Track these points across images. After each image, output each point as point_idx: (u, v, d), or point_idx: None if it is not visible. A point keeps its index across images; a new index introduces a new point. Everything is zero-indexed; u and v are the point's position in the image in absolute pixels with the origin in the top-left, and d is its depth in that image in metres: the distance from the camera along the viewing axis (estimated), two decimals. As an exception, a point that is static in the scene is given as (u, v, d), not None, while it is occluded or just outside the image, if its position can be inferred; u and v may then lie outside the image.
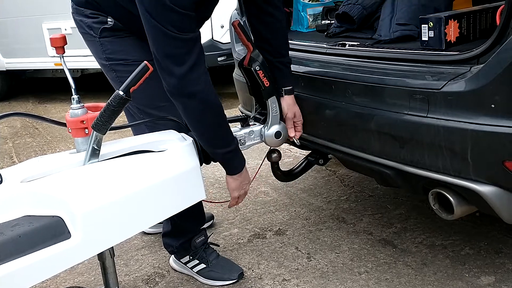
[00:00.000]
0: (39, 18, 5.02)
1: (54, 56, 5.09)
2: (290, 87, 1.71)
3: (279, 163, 1.88)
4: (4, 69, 5.44)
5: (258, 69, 1.61)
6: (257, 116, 1.75)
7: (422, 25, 1.53)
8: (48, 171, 1.41)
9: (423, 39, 1.53)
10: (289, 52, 2.02)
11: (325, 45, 1.86)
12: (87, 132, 1.48)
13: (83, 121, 1.47)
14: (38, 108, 5.19)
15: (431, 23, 1.51)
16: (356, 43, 1.79)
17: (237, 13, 2.43)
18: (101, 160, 1.44)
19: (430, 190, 1.44)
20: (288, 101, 1.70)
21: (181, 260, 1.89)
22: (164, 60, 1.44)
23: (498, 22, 1.37)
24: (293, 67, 1.89)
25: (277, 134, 1.67)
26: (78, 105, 1.48)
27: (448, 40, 1.49)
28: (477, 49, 1.33)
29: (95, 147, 1.42)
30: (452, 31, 1.50)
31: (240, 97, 2.27)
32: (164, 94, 1.52)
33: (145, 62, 1.43)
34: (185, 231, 1.84)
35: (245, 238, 2.12)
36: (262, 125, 1.69)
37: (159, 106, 1.67)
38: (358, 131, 1.58)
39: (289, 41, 2.09)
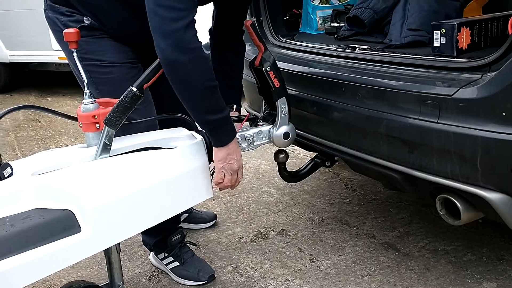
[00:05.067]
0: (43, 11, 5.01)
1: (58, 50, 5.10)
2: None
3: (286, 165, 1.88)
4: (7, 61, 5.43)
5: (269, 69, 1.62)
6: (266, 116, 1.76)
7: (434, 31, 1.54)
8: (59, 165, 1.41)
9: (434, 45, 1.55)
10: (299, 53, 2.04)
11: (334, 48, 1.87)
12: (98, 127, 1.48)
13: (95, 116, 1.48)
14: (40, 102, 5.18)
15: (443, 29, 1.52)
16: (366, 47, 1.80)
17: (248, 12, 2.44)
18: (112, 156, 1.45)
19: (438, 196, 1.45)
20: None
21: (158, 256, 1.92)
22: (163, 12, 1.36)
23: (510, 31, 1.39)
24: (302, 68, 1.91)
25: (286, 135, 1.68)
26: (90, 100, 1.48)
27: (460, 47, 1.50)
28: (490, 57, 1.34)
29: (107, 142, 1.43)
30: (464, 38, 1.51)
31: (248, 97, 2.28)
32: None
33: (159, 59, 1.44)
34: (161, 229, 1.78)
35: (248, 237, 2.13)
36: (271, 126, 1.69)
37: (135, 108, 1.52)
38: (367, 134, 1.59)
39: (298, 43, 2.13)
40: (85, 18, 1.66)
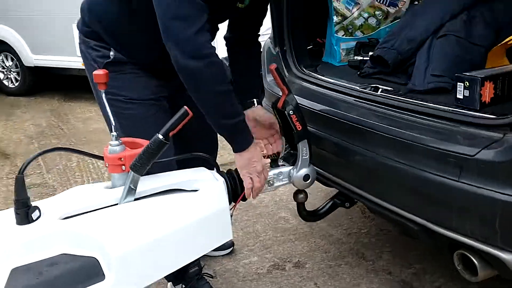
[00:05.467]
0: (70, 18, 5.10)
1: (82, 56, 5.19)
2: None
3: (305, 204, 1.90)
4: (32, 65, 5.54)
5: (291, 113, 1.64)
6: (287, 156, 1.78)
7: (458, 83, 1.54)
8: (86, 207, 1.46)
9: (458, 96, 1.55)
10: (321, 89, 2.05)
11: (357, 87, 1.88)
12: (123, 169, 1.53)
13: (121, 158, 1.52)
14: (63, 106, 5.28)
15: (467, 82, 1.52)
16: (389, 89, 1.81)
17: (270, 41, 2.46)
18: (137, 198, 1.49)
19: (456, 251, 1.46)
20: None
21: (175, 287, 1.95)
22: (172, 23, 1.41)
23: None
24: (324, 108, 1.92)
25: (306, 177, 1.70)
26: (117, 142, 1.52)
27: (483, 101, 1.51)
28: (511, 117, 1.35)
29: (132, 187, 1.47)
30: (487, 92, 1.51)
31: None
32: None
33: (185, 107, 1.47)
34: None
35: (264, 268, 2.16)
36: (291, 167, 1.71)
37: None
38: (386, 183, 1.60)
39: (321, 77, 2.14)
40: (111, 52, 1.71)
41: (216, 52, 1.45)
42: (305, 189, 1.82)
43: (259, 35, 1.89)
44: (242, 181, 1.63)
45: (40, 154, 1.50)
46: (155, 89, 1.78)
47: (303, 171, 1.70)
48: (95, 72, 1.55)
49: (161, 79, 1.79)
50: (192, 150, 1.65)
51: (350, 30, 2.30)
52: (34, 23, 5.37)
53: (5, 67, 5.82)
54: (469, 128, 1.44)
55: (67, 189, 3.07)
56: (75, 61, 5.20)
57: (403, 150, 1.53)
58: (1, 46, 5.68)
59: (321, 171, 1.87)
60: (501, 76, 1.54)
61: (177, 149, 1.78)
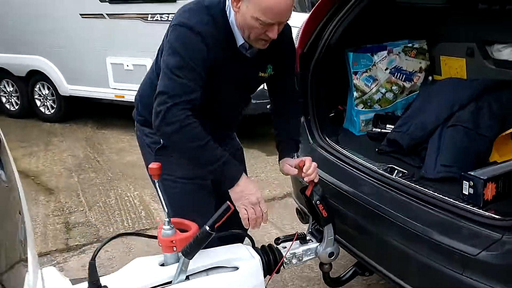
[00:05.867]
0: (104, 52, 5.44)
1: (115, 88, 5.53)
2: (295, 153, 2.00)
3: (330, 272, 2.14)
4: (68, 94, 5.90)
5: (318, 203, 1.89)
6: (314, 231, 2.03)
7: (464, 181, 1.78)
8: (145, 285, 1.73)
9: (463, 192, 1.78)
10: (341, 163, 2.29)
11: (375, 168, 2.11)
12: (175, 250, 1.80)
13: (173, 241, 1.79)
14: (97, 135, 5.61)
15: (471, 182, 1.76)
16: (404, 171, 2.05)
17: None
18: (188, 275, 1.76)
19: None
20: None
21: None
22: (159, 95, 1.70)
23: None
24: (342, 184, 2.15)
25: (331, 254, 1.95)
26: (169, 226, 1.79)
27: (485, 199, 1.74)
28: (509, 220, 1.58)
29: (183, 268, 1.74)
30: (489, 192, 1.74)
31: (294, 190, 2.55)
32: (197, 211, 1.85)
33: (228, 202, 1.74)
34: None
35: (291, 319, 2.41)
36: (318, 244, 1.96)
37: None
38: (397, 262, 1.84)
39: (342, 150, 2.37)
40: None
41: (182, 112, 1.69)
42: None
43: (295, 89, 2.14)
44: (276, 255, 1.89)
45: (107, 242, 1.78)
46: (199, 171, 2.04)
47: (329, 249, 1.95)
48: (150, 166, 1.82)
49: None
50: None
51: (369, 104, 2.55)
52: (70, 56, 5.72)
53: (41, 95, 6.18)
54: (472, 225, 1.67)
55: (109, 229, 3.37)
56: (108, 92, 5.55)
57: (412, 238, 1.76)
58: (39, 76, 6.04)
59: (343, 240, 2.11)
60: (502, 176, 1.77)
61: (217, 199, 1.99)
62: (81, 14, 5.47)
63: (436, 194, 1.85)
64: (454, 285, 1.63)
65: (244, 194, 1.76)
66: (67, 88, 5.85)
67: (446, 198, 1.81)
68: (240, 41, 1.80)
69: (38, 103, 6.23)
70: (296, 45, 2.44)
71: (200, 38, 1.72)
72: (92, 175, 4.42)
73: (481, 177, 1.74)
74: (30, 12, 5.83)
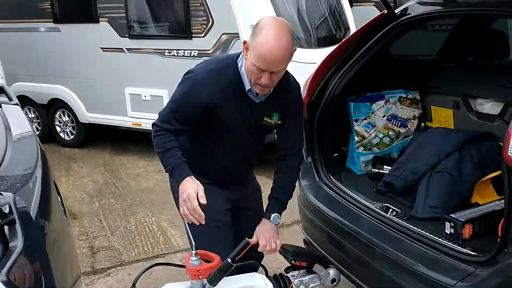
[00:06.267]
0: (122, 82, 5.83)
1: (132, 117, 5.90)
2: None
3: None
4: (87, 122, 6.27)
5: (293, 262, 2.18)
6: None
7: (446, 222, 2.11)
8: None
9: (446, 231, 2.11)
10: (343, 200, 2.61)
11: (372, 206, 2.43)
12: (200, 278, 2.12)
13: (199, 270, 2.12)
14: (114, 160, 5.95)
15: (452, 223, 2.08)
16: (397, 210, 2.37)
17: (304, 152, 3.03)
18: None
19: None
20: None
21: None
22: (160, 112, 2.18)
23: (499, 233, 1.94)
24: (343, 220, 2.46)
25: (333, 281, 2.25)
26: (196, 257, 2.11)
27: (463, 237, 2.06)
28: (483, 257, 1.90)
29: (209, 295, 2.06)
30: (467, 231, 2.07)
31: (302, 220, 2.88)
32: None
33: (246, 239, 2.07)
34: None
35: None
36: (322, 272, 2.28)
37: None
38: (384, 285, 2.15)
39: (344, 189, 2.70)
40: None
41: (163, 131, 2.12)
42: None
43: (297, 154, 2.36)
44: (286, 282, 2.21)
45: (146, 270, 2.11)
46: (221, 204, 2.36)
47: (331, 276, 2.27)
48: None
49: (226, 191, 2.36)
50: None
51: (368, 147, 2.89)
52: (90, 85, 6.10)
53: (61, 121, 6.56)
54: (452, 260, 1.99)
55: (131, 253, 3.68)
56: (125, 120, 5.92)
57: (402, 270, 2.08)
58: (59, 104, 6.42)
59: (344, 269, 2.43)
60: (478, 219, 2.09)
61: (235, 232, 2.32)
62: (101, 48, 5.88)
63: (423, 232, 2.17)
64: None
65: (181, 192, 2.04)
66: (86, 116, 6.21)
67: (432, 236, 2.14)
68: (247, 86, 2.12)
69: (58, 129, 6.60)
70: (304, 95, 2.81)
71: (196, 91, 2.09)
72: (112, 200, 4.76)
73: (460, 219, 2.07)
74: (53, 44, 6.25)
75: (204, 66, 2.19)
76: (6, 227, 1.14)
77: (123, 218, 4.35)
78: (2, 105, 2.20)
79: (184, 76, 2.19)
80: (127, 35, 5.66)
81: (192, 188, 2.03)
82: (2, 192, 1.17)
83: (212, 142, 2.26)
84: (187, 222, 2.18)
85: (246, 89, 2.13)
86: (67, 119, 6.51)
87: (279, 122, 2.25)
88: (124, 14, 5.61)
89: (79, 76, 6.14)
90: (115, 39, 5.75)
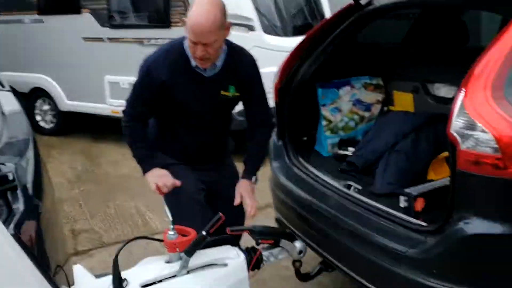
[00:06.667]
0: (102, 71, 5.92)
1: (111, 105, 6.00)
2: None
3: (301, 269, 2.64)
4: (67, 110, 6.35)
5: (260, 241, 2.35)
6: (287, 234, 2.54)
7: (400, 196, 2.31)
8: (155, 277, 2.21)
9: (400, 205, 2.32)
10: (310, 180, 2.80)
11: (336, 184, 2.62)
12: (177, 250, 2.29)
13: (175, 243, 2.28)
14: (93, 148, 6.06)
15: (405, 197, 2.29)
16: (358, 187, 2.57)
17: (275, 135, 3.21)
18: (190, 270, 2.24)
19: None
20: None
21: None
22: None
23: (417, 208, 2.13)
24: (309, 197, 2.65)
25: (300, 252, 2.43)
26: (173, 232, 2.28)
27: (416, 210, 2.27)
28: (431, 227, 2.10)
29: (185, 265, 2.23)
30: (419, 204, 2.27)
31: (274, 201, 3.06)
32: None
33: (220, 214, 2.24)
34: None
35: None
36: (289, 246, 2.47)
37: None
38: (350, 259, 2.35)
39: (311, 169, 2.88)
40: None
41: (130, 122, 2.37)
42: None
43: (265, 117, 2.53)
44: (257, 254, 2.39)
45: (127, 243, 2.26)
46: (194, 182, 2.53)
47: (297, 248, 2.46)
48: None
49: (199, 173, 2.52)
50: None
51: (334, 130, 3.08)
52: (70, 73, 6.18)
53: (42, 110, 6.62)
54: (405, 230, 2.19)
55: (112, 235, 3.83)
56: (104, 108, 6.03)
57: (361, 240, 2.27)
58: (40, 92, 6.49)
59: (310, 242, 2.62)
60: (429, 193, 2.30)
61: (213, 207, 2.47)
62: (83, 38, 5.95)
63: (380, 206, 2.37)
64: (391, 277, 2.15)
65: (148, 178, 2.39)
66: (66, 104, 6.30)
67: (388, 209, 2.34)
68: (193, 62, 2.30)
69: (39, 118, 6.66)
70: (276, 81, 2.99)
71: (149, 73, 2.28)
72: (91, 186, 4.88)
73: (413, 193, 2.27)
74: (37, 34, 6.30)
75: (155, 50, 2.39)
76: (8, 192, 1.29)
77: (102, 203, 4.48)
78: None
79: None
80: (108, 25, 5.75)
81: (152, 180, 2.34)
82: (4, 163, 1.32)
83: (178, 124, 2.43)
84: (165, 198, 2.36)
85: (193, 65, 2.29)
86: (47, 107, 6.56)
87: (237, 94, 2.39)
88: (106, 5, 5.70)
89: (61, 66, 6.23)
90: (97, 29, 5.83)
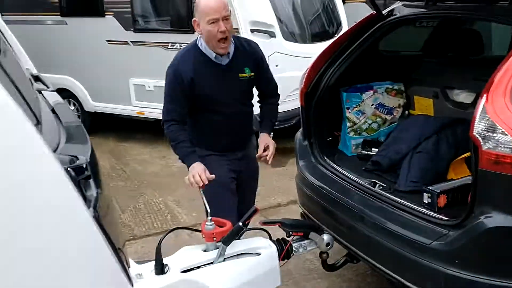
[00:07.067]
0: (127, 74, 6.14)
1: (136, 106, 6.22)
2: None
3: (327, 260, 2.81)
4: (92, 111, 6.57)
5: (291, 233, 2.53)
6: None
7: (424, 193, 2.48)
8: (194, 264, 2.40)
9: (424, 201, 2.49)
10: (336, 177, 2.97)
11: (362, 182, 2.80)
12: (214, 240, 2.48)
13: (213, 233, 2.47)
14: (118, 148, 6.27)
15: (429, 194, 2.46)
16: (384, 185, 2.74)
17: (300, 136, 3.40)
18: (226, 258, 2.43)
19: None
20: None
21: None
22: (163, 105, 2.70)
23: (469, 201, 2.31)
24: (336, 193, 2.83)
25: (327, 244, 2.61)
26: (211, 223, 2.47)
27: (439, 206, 2.44)
28: (454, 221, 2.27)
29: (222, 253, 2.42)
30: (442, 200, 2.44)
31: (299, 197, 3.24)
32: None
33: (255, 206, 2.43)
34: None
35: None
36: (318, 238, 2.65)
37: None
38: (377, 252, 2.53)
39: (337, 167, 3.05)
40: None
41: (171, 126, 2.64)
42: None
43: (273, 87, 2.91)
44: (288, 245, 2.57)
45: (168, 233, 2.46)
46: (227, 172, 2.75)
47: (325, 240, 2.63)
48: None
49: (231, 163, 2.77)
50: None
51: (358, 131, 3.25)
52: (95, 75, 6.40)
53: (68, 110, 6.86)
54: (429, 224, 2.36)
55: (142, 229, 4.02)
56: (129, 109, 6.24)
57: (387, 234, 2.45)
58: (66, 93, 6.69)
59: (336, 236, 2.80)
60: (451, 190, 2.47)
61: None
62: (107, 41, 6.18)
63: (405, 202, 2.55)
64: (414, 264, 2.32)
65: (190, 170, 2.63)
66: (92, 105, 6.53)
67: (412, 205, 2.51)
68: (212, 55, 2.63)
69: (64, 117, 6.89)
70: (301, 86, 3.17)
71: (178, 75, 2.57)
72: (121, 183, 5.09)
73: (436, 190, 2.44)
74: (59, 36, 6.54)
75: (175, 56, 2.71)
76: (81, 181, 1.49)
77: (132, 198, 4.69)
78: (42, 91, 2.54)
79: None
80: (132, 29, 5.97)
81: (195, 172, 2.57)
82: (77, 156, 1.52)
83: (209, 115, 2.72)
84: (202, 191, 2.55)
85: (212, 57, 2.61)
86: (72, 108, 6.79)
87: (253, 74, 2.73)
88: (130, 9, 5.92)
89: (85, 68, 6.44)
90: (121, 33, 6.05)
